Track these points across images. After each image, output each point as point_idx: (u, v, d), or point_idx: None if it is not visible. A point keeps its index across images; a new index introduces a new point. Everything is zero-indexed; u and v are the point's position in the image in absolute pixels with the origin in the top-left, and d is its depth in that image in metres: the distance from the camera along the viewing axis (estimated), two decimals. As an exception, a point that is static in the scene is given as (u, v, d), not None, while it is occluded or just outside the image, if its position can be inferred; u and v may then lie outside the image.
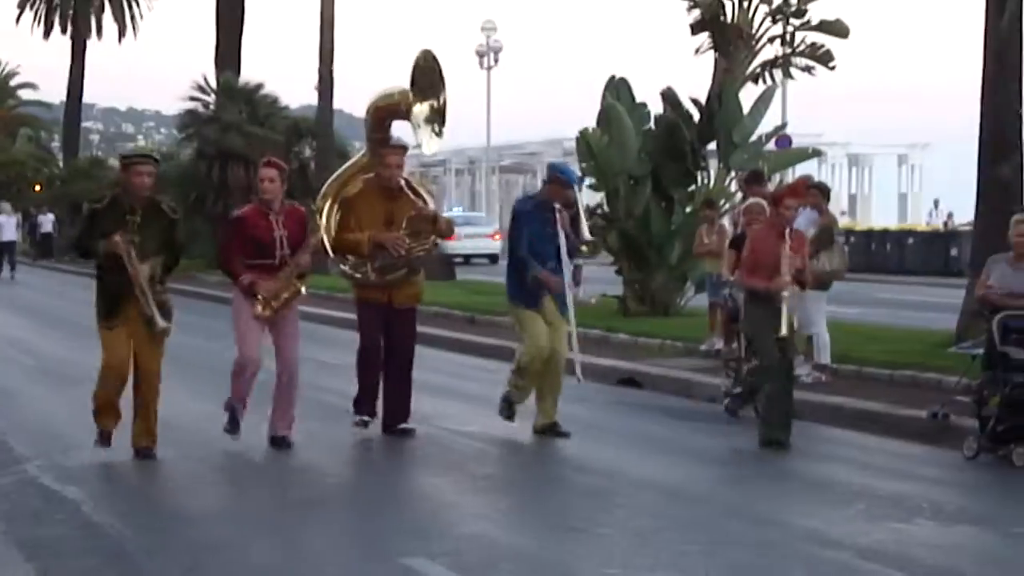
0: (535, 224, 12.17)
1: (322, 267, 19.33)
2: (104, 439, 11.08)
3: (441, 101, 12.87)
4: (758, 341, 12.13)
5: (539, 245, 12.08)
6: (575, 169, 12.95)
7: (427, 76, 12.78)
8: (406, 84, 12.65)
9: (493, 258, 46.11)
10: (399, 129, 13.05)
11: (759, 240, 12.20)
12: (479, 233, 47.58)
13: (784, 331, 11.71)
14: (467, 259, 44.47)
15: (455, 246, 38.53)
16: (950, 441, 11.90)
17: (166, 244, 11.11)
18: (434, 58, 12.86)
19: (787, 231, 11.99)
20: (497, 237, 48.98)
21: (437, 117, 12.85)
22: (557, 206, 12.15)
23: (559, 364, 12.29)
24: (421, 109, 12.72)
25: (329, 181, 13.30)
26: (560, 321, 12.26)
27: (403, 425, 12.19)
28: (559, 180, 12.34)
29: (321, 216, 12.49)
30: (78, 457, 11.10)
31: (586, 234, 12.94)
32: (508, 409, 12.30)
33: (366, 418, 12.12)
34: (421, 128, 12.77)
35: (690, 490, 10.16)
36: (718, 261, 17.12)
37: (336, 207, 12.47)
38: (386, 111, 12.90)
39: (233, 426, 11.54)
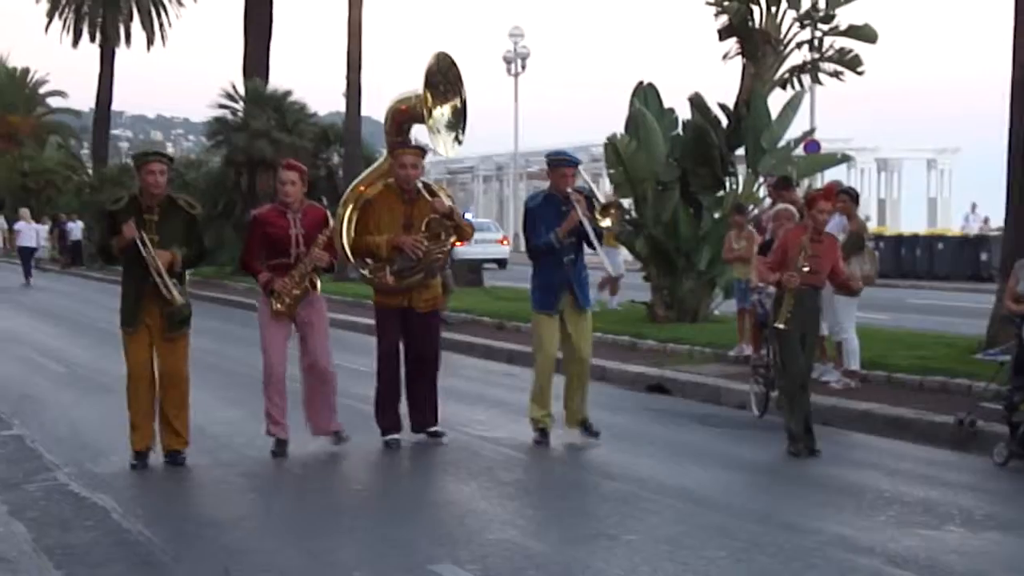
0: (547, 217, 12.15)
1: (344, 274, 19.35)
2: (140, 459, 11.10)
3: (458, 102, 12.87)
4: (783, 345, 12.06)
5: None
6: (572, 153, 12.83)
7: (442, 78, 12.80)
8: (420, 88, 12.66)
9: (502, 263, 47.31)
10: (419, 133, 13.08)
11: (789, 240, 12.16)
12: (488, 239, 48.07)
13: (782, 324, 11.75)
14: (478, 264, 44.85)
15: (464, 251, 38.81)
16: (980, 447, 11.86)
17: (187, 240, 11.17)
18: (450, 60, 12.86)
19: (819, 234, 12.01)
20: (505, 242, 50.70)
21: (455, 119, 12.86)
22: (571, 193, 12.12)
23: (583, 365, 12.34)
24: (441, 112, 12.73)
25: (351, 187, 13.30)
26: (582, 320, 12.26)
27: (433, 428, 12.22)
28: (551, 163, 12.34)
29: (342, 221, 12.50)
30: (107, 464, 11.14)
31: (602, 211, 12.53)
32: (542, 436, 12.27)
33: (396, 436, 12.09)
34: (441, 132, 12.79)
35: (719, 497, 10.12)
36: (747, 267, 17.10)
37: (355, 210, 12.48)
38: (403, 115, 12.93)
39: (280, 448, 11.58)
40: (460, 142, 13.10)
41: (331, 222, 11.84)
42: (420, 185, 12.06)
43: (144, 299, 10.97)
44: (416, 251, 11.86)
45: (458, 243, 12.60)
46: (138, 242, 10.82)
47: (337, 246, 12.13)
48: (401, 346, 12.18)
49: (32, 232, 44.03)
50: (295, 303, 11.53)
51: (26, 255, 42.80)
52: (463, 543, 8.61)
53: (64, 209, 59.77)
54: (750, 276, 16.84)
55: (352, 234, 12.33)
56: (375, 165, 13.68)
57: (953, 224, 54.85)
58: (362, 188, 12.78)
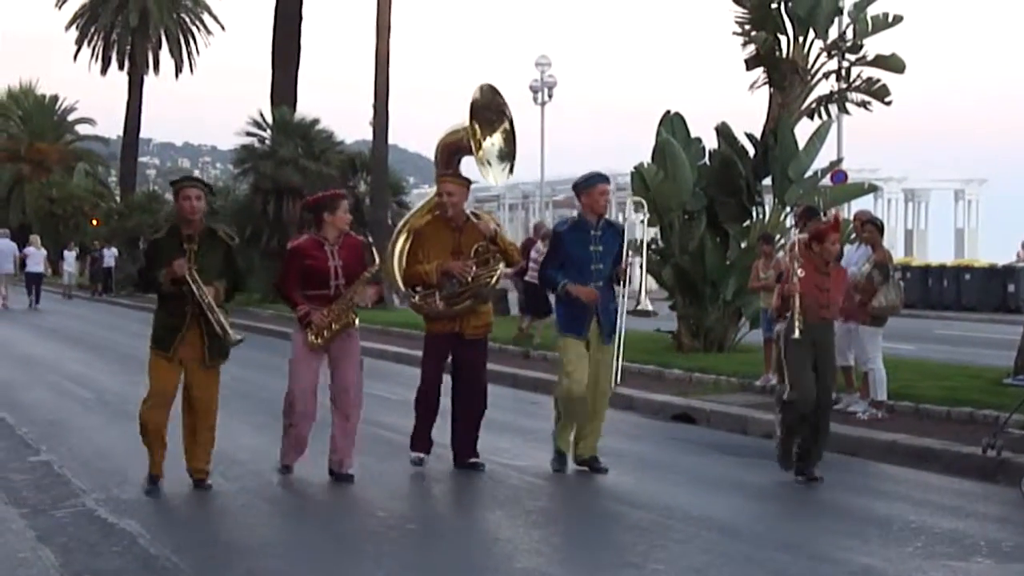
0: (571, 244, 11.98)
1: (384, 303, 19.35)
2: (152, 481, 11.14)
3: (505, 132, 12.92)
4: (794, 372, 11.99)
5: (577, 266, 11.91)
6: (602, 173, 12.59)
7: (488, 109, 12.84)
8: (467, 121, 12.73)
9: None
10: (468, 166, 13.09)
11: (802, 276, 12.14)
12: None
13: (797, 334, 11.75)
14: (504, 293, 44.82)
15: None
16: (1008, 479, 11.82)
17: (225, 270, 11.21)
18: (493, 91, 12.92)
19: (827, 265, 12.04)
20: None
21: (507, 147, 12.91)
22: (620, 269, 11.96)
23: (602, 395, 12.15)
24: (491, 142, 12.79)
25: (403, 221, 13.38)
26: (603, 352, 12.01)
27: (472, 460, 12.22)
28: (579, 186, 12.07)
29: (394, 252, 12.57)
30: (135, 490, 11.15)
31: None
32: (558, 461, 12.23)
33: (422, 455, 12.14)
34: (493, 163, 12.84)
35: (745, 527, 10.10)
36: (769, 296, 17.07)
37: (406, 241, 12.55)
38: (453, 147, 13.00)
39: (286, 471, 11.70)
40: (511, 171, 13.13)
41: (375, 255, 11.79)
42: (469, 213, 12.09)
43: (184, 330, 11.00)
44: (465, 275, 11.87)
45: (507, 268, 12.52)
46: (188, 278, 10.85)
47: (389, 278, 12.17)
48: (447, 377, 12.20)
49: (39, 257, 44.80)
50: (333, 337, 11.51)
51: (33, 280, 43.67)
52: (489, 571, 8.61)
53: (92, 236, 60.06)
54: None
55: (403, 265, 12.39)
56: (425, 200, 13.70)
57: (981, 255, 54.54)
58: (412, 221, 12.85)
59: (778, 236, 21.03)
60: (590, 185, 12.04)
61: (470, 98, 12.84)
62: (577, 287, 11.81)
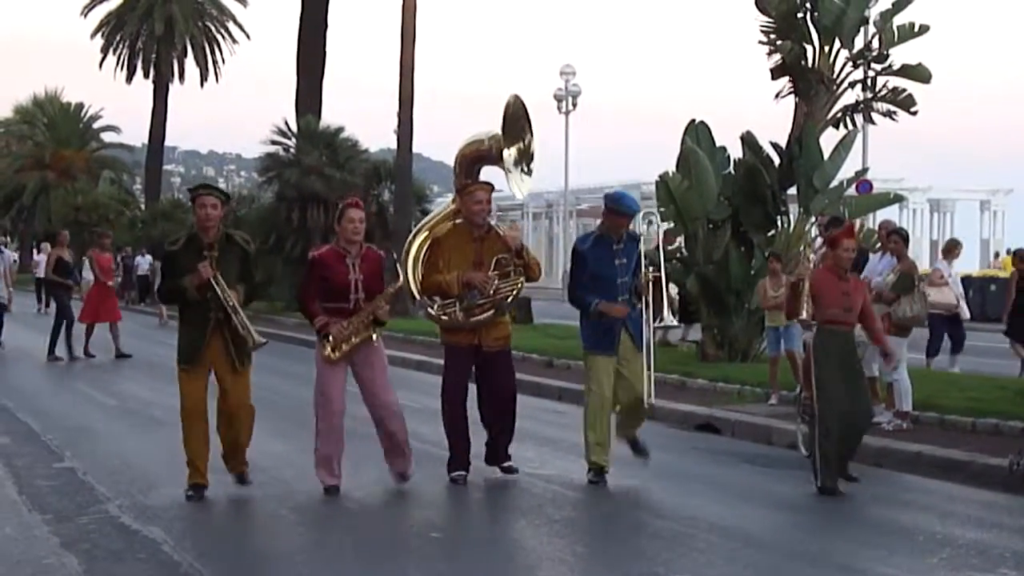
0: (596, 262, 11.94)
1: (403, 311, 19.33)
2: (196, 491, 11.15)
3: (529, 144, 12.89)
4: (822, 382, 11.95)
5: (605, 284, 11.88)
6: (634, 198, 12.45)
7: (516, 121, 12.81)
8: (494, 129, 12.67)
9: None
10: (488, 175, 13.05)
11: (820, 282, 12.12)
12: None
13: (804, 314, 11.88)
14: (527, 300, 44.70)
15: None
16: (1034, 490, 11.78)
17: (244, 275, 11.25)
18: (521, 103, 12.90)
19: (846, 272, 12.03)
20: None
21: (526, 160, 12.87)
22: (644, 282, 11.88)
23: (640, 405, 12.08)
24: (510, 153, 12.74)
25: (416, 229, 13.23)
26: (637, 360, 11.98)
27: (505, 464, 12.20)
28: (611, 210, 11.99)
29: (409, 257, 12.49)
30: (159, 496, 11.18)
31: (644, 279, 11.99)
32: (597, 475, 12.09)
33: (463, 473, 12.05)
34: (512, 172, 12.78)
35: (769, 537, 10.07)
36: (779, 314, 16.99)
37: (421, 249, 12.45)
38: (475, 156, 12.92)
39: (331, 492, 11.49)
40: (529, 174, 13.06)
41: (399, 272, 11.75)
42: (492, 221, 12.06)
43: (209, 337, 11.04)
44: (486, 287, 11.83)
45: (527, 281, 12.37)
46: (212, 281, 10.89)
47: (404, 286, 12.11)
48: (472, 387, 12.16)
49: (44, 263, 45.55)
50: (352, 351, 11.43)
51: (42, 284, 44.81)
52: (512, 580, 8.60)
53: (121, 244, 60.14)
54: (790, 323, 16.82)
55: (421, 274, 12.33)
56: (440, 210, 13.61)
57: (1007, 266, 54.21)
58: (429, 229, 12.73)
59: (802, 246, 21.01)
60: (613, 213, 11.99)
61: (503, 107, 12.79)
62: (609, 305, 11.79)
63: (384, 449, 11.76)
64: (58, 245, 29.14)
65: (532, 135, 12.92)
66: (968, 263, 63.05)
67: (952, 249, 22.50)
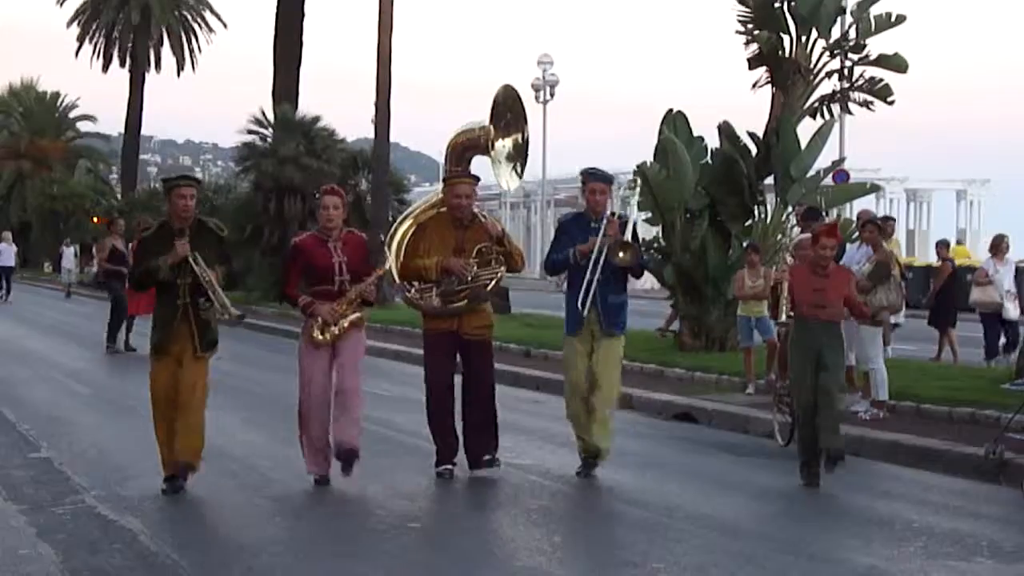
0: (573, 233, 11.97)
1: (381, 299, 19.28)
2: (170, 484, 11.06)
3: (523, 137, 12.83)
4: (793, 372, 12.09)
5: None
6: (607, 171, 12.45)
7: (508, 111, 12.74)
8: (486, 120, 12.61)
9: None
10: (478, 166, 12.99)
11: (795, 276, 12.16)
12: None
13: (783, 317, 11.99)
14: (505, 291, 44.77)
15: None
16: (1009, 479, 11.81)
17: (221, 258, 11.22)
18: (516, 94, 12.83)
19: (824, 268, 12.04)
20: None
21: (516, 153, 12.80)
22: (609, 213, 11.88)
23: (601, 392, 11.88)
24: (503, 144, 12.68)
25: (402, 216, 13.15)
26: (606, 347, 11.86)
27: (487, 457, 11.94)
28: (586, 178, 12.03)
29: (394, 241, 12.43)
30: (135, 486, 11.14)
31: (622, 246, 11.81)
32: (585, 465, 12.01)
33: (449, 467, 11.92)
34: (501, 164, 12.72)
35: (746, 526, 10.08)
36: (759, 305, 17.01)
37: (404, 235, 12.38)
38: (465, 145, 12.85)
39: (322, 482, 11.40)
40: (520, 175, 13.02)
41: (385, 254, 11.66)
42: (475, 211, 12.01)
43: (177, 322, 10.99)
44: (465, 274, 11.79)
45: (508, 271, 12.30)
46: (190, 259, 10.84)
47: (381, 272, 12.02)
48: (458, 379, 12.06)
49: (11, 252, 47.74)
50: (342, 335, 11.33)
51: (5, 273, 46.23)
52: (490, 569, 8.59)
53: (94, 233, 59.96)
54: (762, 314, 16.85)
55: (402, 258, 12.26)
56: (427, 197, 13.52)
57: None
58: (414, 217, 12.66)
59: (779, 235, 21.04)
60: (587, 180, 12.04)
61: (493, 96, 12.72)
62: (582, 246, 11.74)
63: (334, 418, 11.36)
64: (112, 234, 27.90)
65: (526, 129, 12.83)
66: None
67: (998, 245, 22.18)
